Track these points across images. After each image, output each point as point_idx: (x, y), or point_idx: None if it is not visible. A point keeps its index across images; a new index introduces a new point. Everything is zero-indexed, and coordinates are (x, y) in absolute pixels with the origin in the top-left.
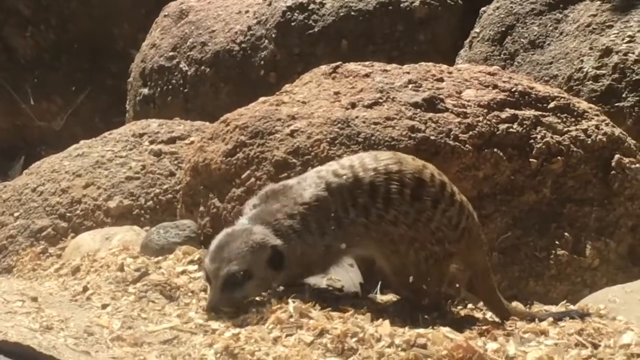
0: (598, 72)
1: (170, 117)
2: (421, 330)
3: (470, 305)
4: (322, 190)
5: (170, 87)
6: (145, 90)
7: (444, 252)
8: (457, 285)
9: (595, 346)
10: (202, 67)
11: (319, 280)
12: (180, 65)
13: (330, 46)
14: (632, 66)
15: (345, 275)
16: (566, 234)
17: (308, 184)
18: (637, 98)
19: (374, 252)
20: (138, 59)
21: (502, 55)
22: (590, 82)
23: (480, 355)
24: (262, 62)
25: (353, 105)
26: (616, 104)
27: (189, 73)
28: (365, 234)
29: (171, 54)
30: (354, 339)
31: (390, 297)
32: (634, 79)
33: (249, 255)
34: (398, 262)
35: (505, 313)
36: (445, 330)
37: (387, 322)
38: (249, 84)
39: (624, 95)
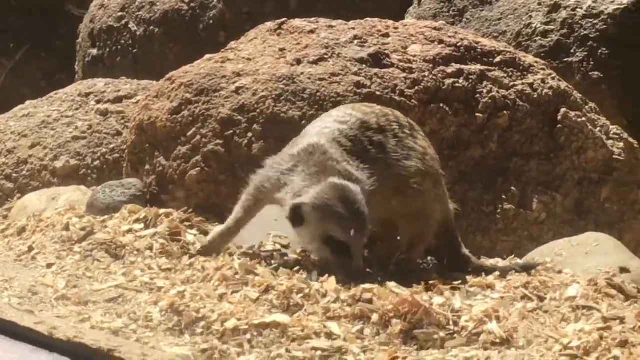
0: (547, 27)
1: (120, 77)
2: (367, 286)
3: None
4: (339, 137)
5: (119, 47)
6: (94, 51)
7: (437, 193)
8: (399, 238)
9: (541, 299)
10: (151, 27)
11: (265, 237)
12: (129, 26)
13: (278, 5)
14: (580, 21)
15: (291, 231)
16: (513, 188)
17: (325, 136)
18: (586, 53)
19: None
20: (87, 19)
21: (450, 12)
22: (539, 37)
23: (425, 310)
24: (211, 22)
25: (298, 62)
26: (565, 59)
27: (138, 33)
28: (386, 172)
29: (120, 14)
30: (300, 295)
31: None
32: (582, 34)
33: (367, 213)
34: (414, 203)
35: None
36: (391, 285)
37: (332, 278)
38: (198, 43)
39: (572, 51)
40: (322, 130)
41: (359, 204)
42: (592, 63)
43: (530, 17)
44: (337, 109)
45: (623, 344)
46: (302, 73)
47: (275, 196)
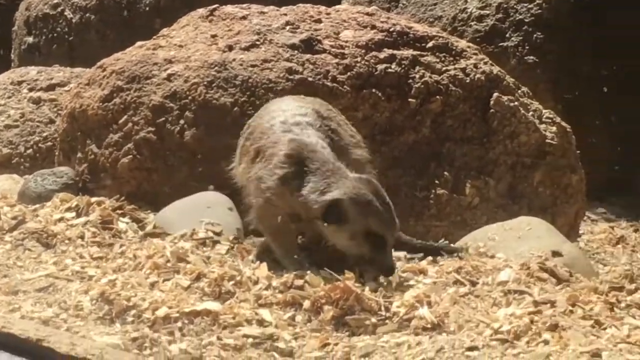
0: (482, 12)
1: (55, 65)
2: (298, 272)
3: None
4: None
5: (55, 35)
6: (30, 39)
7: None
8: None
9: (474, 284)
10: (87, 15)
11: (198, 225)
12: (65, 13)
13: None
14: (515, 6)
15: (224, 219)
16: (446, 173)
17: (304, 132)
18: (521, 38)
19: None
20: (22, 7)
21: None
22: (475, 22)
23: (357, 296)
24: (147, 9)
25: (230, 48)
26: (500, 44)
27: (73, 21)
28: (346, 160)
29: (55, 1)
30: (231, 282)
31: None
32: (517, 18)
33: None
34: None
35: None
36: (323, 271)
37: (264, 264)
38: (133, 30)
39: (507, 35)
40: (294, 127)
41: (387, 197)
42: (527, 47)
43: (466, 1)
44: (279, 103)
45: (553, 327)
46: (234, 59)
47: (288, 199)
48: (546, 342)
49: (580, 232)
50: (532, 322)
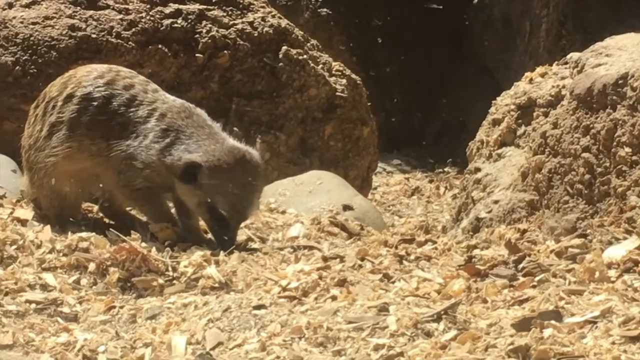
0: None
1: None
2: (83, 235)
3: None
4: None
5: None
6: None
7: None
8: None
9: (264, 240)
10: None
11: None
12: None
13: None
14: None
15: (7, 181)
16: (235, 129)
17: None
18: None
19: None
20: None
21: None
22: None
23: (143, 256)
24: None
25: (10, 5)
26: None
27: None
28: None
29: None
30: (14, 247)
31: None
32: None
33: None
34: None
35: None
36: (109, 232)
37: (48, 227)
38: None
39: None
40: (150, 95)
41: (258, 176)
42: (320, 0)
43: None
44: (92, 72)
45: (341, 282)
46: (14, 17)
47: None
48: (334, 298)
49: (376, 184)
50: (320, 278)
